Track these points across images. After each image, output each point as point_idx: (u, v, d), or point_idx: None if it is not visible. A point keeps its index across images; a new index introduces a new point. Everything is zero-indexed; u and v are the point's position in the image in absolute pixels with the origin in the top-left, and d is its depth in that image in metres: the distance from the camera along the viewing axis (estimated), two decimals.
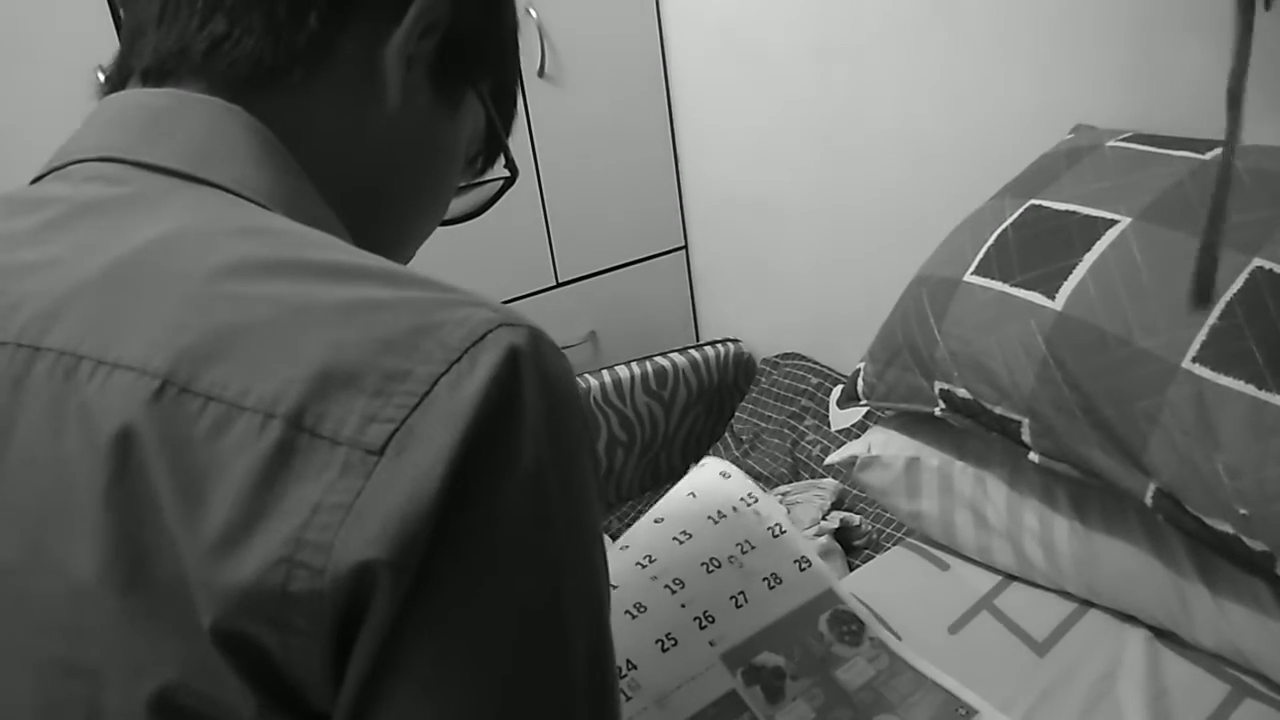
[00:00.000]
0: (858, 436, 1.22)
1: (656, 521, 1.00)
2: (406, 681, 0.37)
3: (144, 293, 0.41)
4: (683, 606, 0.89)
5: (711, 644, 0.88)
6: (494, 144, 0.64)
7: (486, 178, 0.68)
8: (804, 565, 0.96)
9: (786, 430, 1.67)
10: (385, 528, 0.36)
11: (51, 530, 0.39)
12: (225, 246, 0.42)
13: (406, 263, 0.63)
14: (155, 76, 0.51)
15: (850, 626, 0.93)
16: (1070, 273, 0.93)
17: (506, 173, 0.67)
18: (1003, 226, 1.03)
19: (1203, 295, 0.66)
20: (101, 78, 0.55)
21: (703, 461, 1.09)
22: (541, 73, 1.77)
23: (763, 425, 1.73)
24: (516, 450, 0.38)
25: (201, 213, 0.45)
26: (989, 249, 1.02)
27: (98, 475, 0.38)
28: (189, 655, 0.37)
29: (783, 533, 0.98)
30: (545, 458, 0.39)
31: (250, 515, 0.36)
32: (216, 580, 0.36)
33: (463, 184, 0.66)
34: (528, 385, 0.39)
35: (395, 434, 0.37)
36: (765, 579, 0.93)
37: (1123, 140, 1.07)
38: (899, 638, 0.99)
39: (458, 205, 0.67)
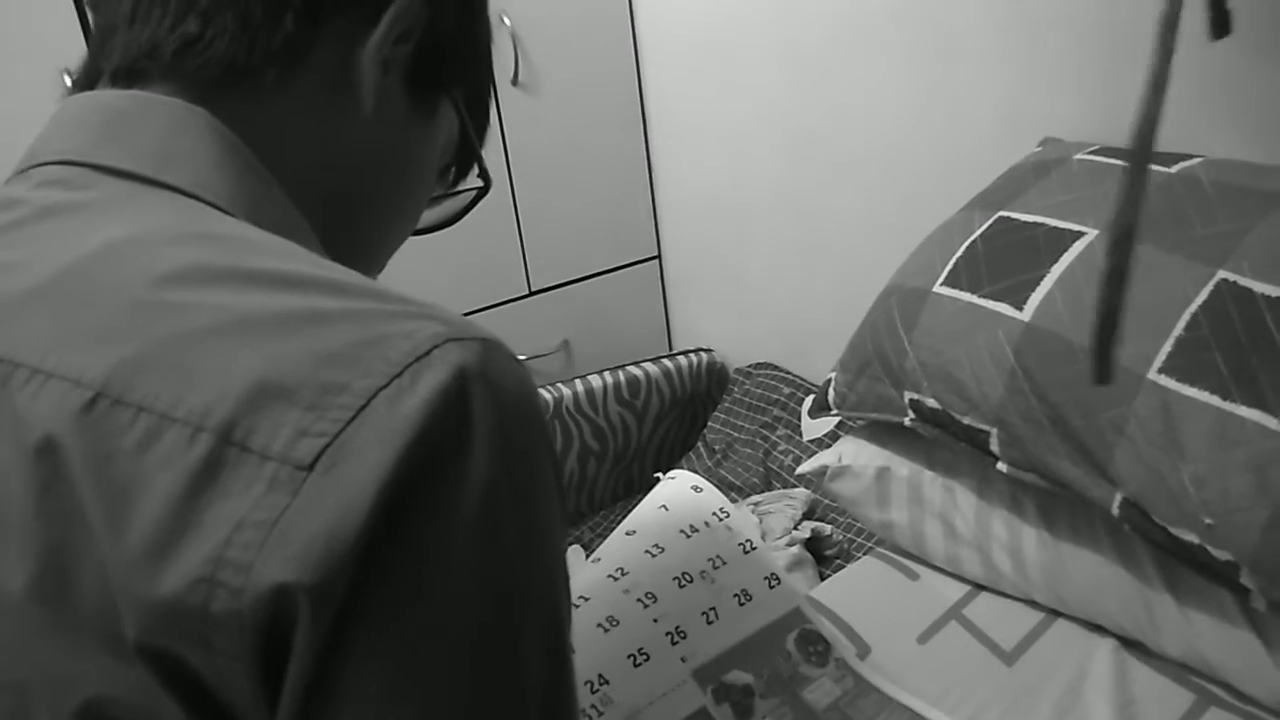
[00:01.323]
0: (829, 446, 1.23)
1: (628, 534, 0.99)
2: (343, 716, 0.35)
3: (87, 301, 0.40)
4: (655, 621, 0.89)
5: (683, 660, 0.87)
6: (467, 153, 0.64)
7: (459, 188, 0.68)
8: (773, 583, 0.95)
9: (759, 440, 1.67)
10: (308, 549, 0.34)
11: None
12: (171, 254, 0.41)
13: (379, 270, 0.62)
14: (125, 77, 0.50)
15: (817, 647, 0.93)
16: (1038, 284, 0.94)
17: (480, 183, 0.66)
18: (972, 238, 1.04)
19: (1102, 374, 0.61)
20: (68, 81, 0.55)
21: (671, 474, 1.08)
22: (515, 81, 1.77)
23: (735, 435, 1.73)
24: (461, 472, 0.36)
25: (153, 218, 0.44)
26: (958, 260, 1.03)
27: (27, 486, 0.37)
28: (116, 670, 0.36)
29: (753, 549, 0.98)
30: (496, 477, 0.37)
31: (174, 531, 0.35)
32: (140, 597, 0.35)
33: (436, 194, 0.66)
34: (476, 403, 0.37)
35: (326, 449, 0.35)
36: (736, 595, 0.93)
37: (1090, 153, 1.08)
38: (869, 647, 0.99)
39: (430, 215, 0.66)
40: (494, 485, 0.37)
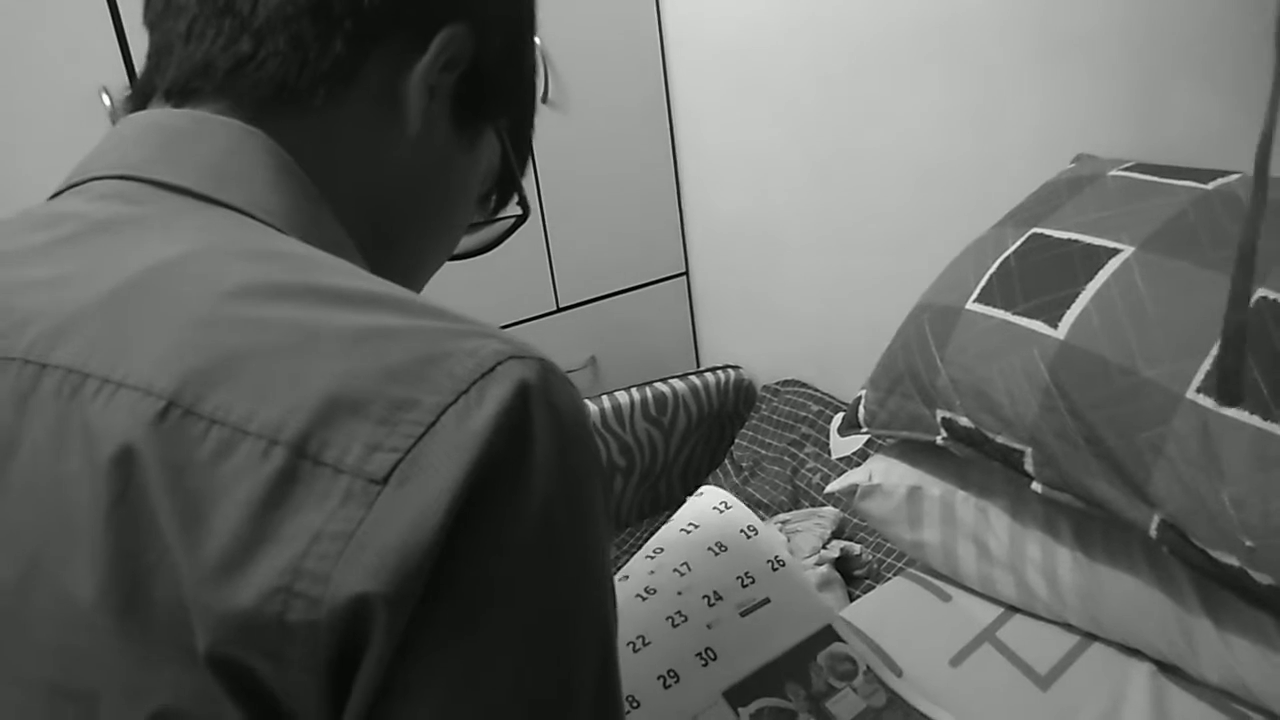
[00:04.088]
0: (858, 465, 1.22)
1: (656, 553, 0.99)
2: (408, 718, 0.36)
3: (153, 313, 0.41)
4: (685, 641, 0.88)
5: (713, 681, 0.86)
6: (508, 182, 0.65)
7: (498, 215, 0.69)
8: (804, 600, 0.95)
9: (787, 458, 1.66)
10: (384, 560, 0.35)
11: (51, 550, 0.38)
12: (236, 269, 0.42)
13: (418, 292, 0.63)
14: (178, 95, 0.52)
15: (844, 666, 0.92)
16: (1073, 301, 0.93)
17: (518, 210, 0.67)
18: (1005, 255, 1.03)
19: (1230, 395, 0.64)
20: (106, 99, 0.56)
21: (700, 490, 1.08)
22: (545, 99, 1.78)
23: (763, 452, 1.72)
24: (524, 485, 0.38)
25: (214, 234, 0.45)
26: (991, 277, 1.02)
27: (99, 496, 0.37)
28: (185, 680, 0.36)
29: (782, 565, 0.97)
30: (554, 492, 0.38)
31: (249, 542, 0.36)
32: (214, 607, 0.35)
33: (475, 220, 0.67)
34: (537, 419, 0.38)
35: (399, 464, 0.36)
36: (767, 613, 0.92)
37: (1124, 170, 1.07)
38: (900, 670, 0.97)
39: (468, 241, 0.67)
40: (551, 498, 0.38)
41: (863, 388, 1.14)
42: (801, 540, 1.37)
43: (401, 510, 0.36)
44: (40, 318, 0.42)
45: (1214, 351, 0.83)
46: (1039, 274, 0.98)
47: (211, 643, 0.35)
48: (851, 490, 1.14)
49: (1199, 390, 0.82)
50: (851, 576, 1.35)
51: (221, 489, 0.36)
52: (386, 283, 0.45)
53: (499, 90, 0.59)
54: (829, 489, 1.19)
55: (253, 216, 0.48)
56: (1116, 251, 0.94)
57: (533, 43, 0.62)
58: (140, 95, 0.54)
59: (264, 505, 0.36)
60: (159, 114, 0.51)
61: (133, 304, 0.41)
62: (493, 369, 0.38)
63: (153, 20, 0.54)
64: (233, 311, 0.40)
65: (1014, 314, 0.96)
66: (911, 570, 1.17)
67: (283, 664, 0.35)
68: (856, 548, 1.36)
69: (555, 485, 0.39)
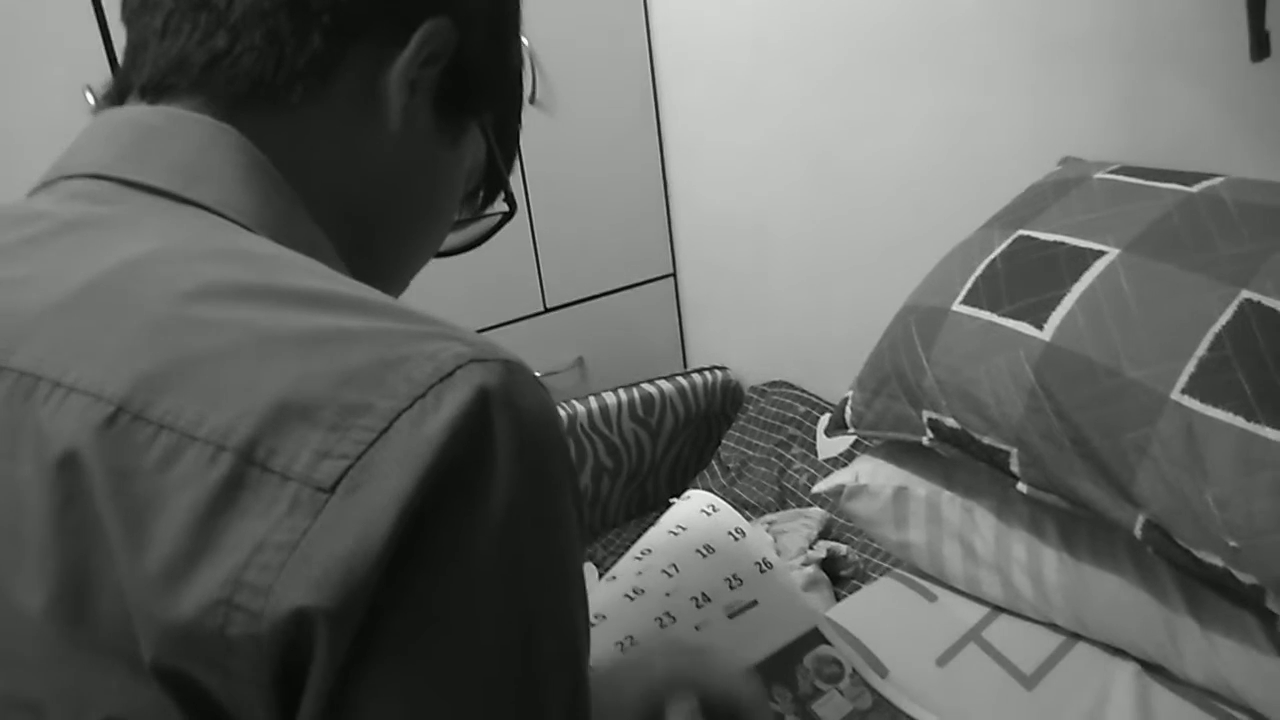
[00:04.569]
0: (845, 465, 1.22)
1: (644, 554, 0.99)
2: None
3: (111, 315, 0.40)
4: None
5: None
6: (494, 178, 0.63)
7: (484, 212, 0.68)
8: (791, 602, 0.95)
9: (774, 459, 1.66)
10: (328, 572, 0.33)
11: (2, 557, 0.37)
12: (197, 270, 0.41)
13: (401, 290, 0.62)
14: (153, 92, 0.51)
15: (831, 668, 0.92)
16: (1059, 303, 0.93)
17: (504, 207, 0.66)
18: (991, 256, 1.03)
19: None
20: (91, 98, 0.55)
21: (687, 494, 1.08)
22: (532, 99, 1.77)
23: (750, 453, 1.72)
24: (483, 494, 0.36)
25: (179, 234, 0.44)
26: (977, 279, 1.02)
27: (46, 502, 0.36)
28: (132, 690, 0.35)
29: (769, 568, 0.97)
30: (517, 499, 0.37)
31: (192, 551, 0.34)
32: (157, 617, 0.34)
33: (461, 217, 0.65)
34: (498, 423, 0.37)
35: (348, 471, 0.35)
36: (754, 615, 0.92)
37: (1110, 173, 1.08)
38: (886, 669, 0.98)
39: (454, 238, 0.65)
40: (514, 507, 0.37)
41: (849, 389, 1.14)
42: (788, 541, 1.38)
43: (348, 520, 0.34)
44: (2, 319, 0.41)
45: (1199, 353, 0.83)
46: (1025, 276, 0.98)
47: (156, 654, 0.34)
48: (838, 491, 1.14)
49: (1183, 391, 0.83)
50: (838, 577, 1.35)
51: (166, 497, 0.35)
52: (355, 283, 0.43)
53: (483, 85, 0.58)
54: (815, 489, 1.19)
55: (223, 215, 0.47)
56: (1102, 254, 0.95)
57: (518, 36, 0.60)
58: (117, 92, 0.53)
59: (208, 513, 0.35)
60: (132, 111, 0.50)
61: (92, 306, 0.40)
62: (452, 373, 0.37)
63: (129, 16, 0.53)
64: (190, 313, 0.39)
65: (1000, 315, 0.97)
66: (898, 570, 1.17)
67: (228, 676, 0.34)
68: (843, 548, 1.36)
69: (518, 492, 0.37)
